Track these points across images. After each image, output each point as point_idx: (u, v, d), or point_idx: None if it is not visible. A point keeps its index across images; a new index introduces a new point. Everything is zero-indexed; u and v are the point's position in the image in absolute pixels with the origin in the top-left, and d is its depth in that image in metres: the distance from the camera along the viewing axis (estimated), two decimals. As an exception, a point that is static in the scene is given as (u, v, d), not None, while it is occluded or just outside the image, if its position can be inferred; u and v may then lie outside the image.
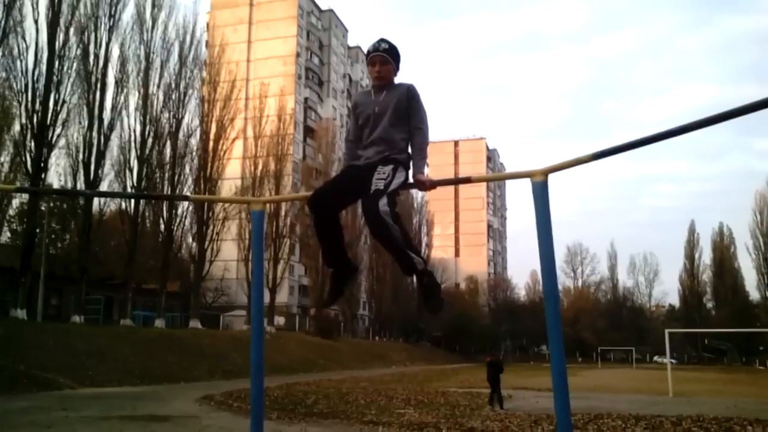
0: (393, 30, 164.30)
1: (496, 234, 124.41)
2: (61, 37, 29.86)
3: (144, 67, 35.56)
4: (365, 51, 3.78)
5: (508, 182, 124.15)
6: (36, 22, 29.34)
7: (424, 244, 79.09)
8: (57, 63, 29.50)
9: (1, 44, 27.80)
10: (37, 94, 28.76)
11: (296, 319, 56.82)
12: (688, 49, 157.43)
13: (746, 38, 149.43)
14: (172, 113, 36.90)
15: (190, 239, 40.87)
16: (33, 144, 28.67)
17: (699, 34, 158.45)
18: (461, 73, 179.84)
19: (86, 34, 31.64)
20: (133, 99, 35.36)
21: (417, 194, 75.04)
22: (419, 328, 76.21)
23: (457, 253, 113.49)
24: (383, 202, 3.25)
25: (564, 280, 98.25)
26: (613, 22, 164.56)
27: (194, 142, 39.72)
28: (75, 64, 30.80)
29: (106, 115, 32.74)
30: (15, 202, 38.49)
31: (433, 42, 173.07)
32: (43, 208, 35.16)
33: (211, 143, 39.42)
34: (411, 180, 3.56)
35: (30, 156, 28.74)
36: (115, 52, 34.13)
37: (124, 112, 34.16)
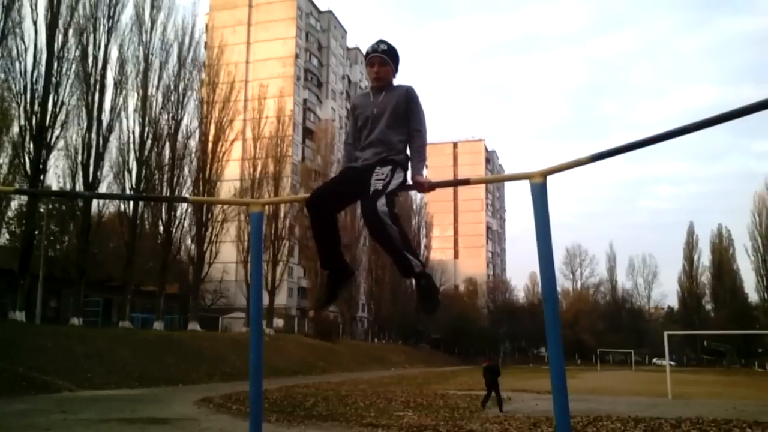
0: (392, 31, 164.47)
1: (495, 236, 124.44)
2: (60, 38, 29.89)
3: (143, 68, 35.58)
4: (364, 52, 3.78)
5: (507, 184, 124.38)
6: (35, 23, 29.40)
7: (423, 246, 79.06)
8: (56, 64, 29.52)
9: (0, 45, 27.81)
10: (36, 95, 28.77)
11: (295, 321, 56.81)
12: (687, 50, 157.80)
13: (745, 39, 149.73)
14: (171, 115, 36.92)
15: (189, 241, 40.90)
16: (32, 145, 28.66)
17: (697, 35, 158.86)
18: (460, 75, 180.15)
19: (85, 35, 31.66)
20: (132, 100, 35.41)
21: (416, 196, 75.09)
22: (418, 330, 76.20)
23: (456, 255, 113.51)
24: (381, 202, 3.24)
25: (563, 281, 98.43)
26: (612, 23, 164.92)
27: (193, 143, 39.77)
28: (74, 66, 30.85)
29: (105, 116, 32.80)
30: (14, 204, 38.45)
31: (432, 43, 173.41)
32: (41, 210, 35.14)
33: (210, 145, 39.42)
34: (410, 181, 3.55)
35: (29, 157, 28.73)
36: (114, 53, 34.27)
37: (123, 114, 34.21)
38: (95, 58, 32.08)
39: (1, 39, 27.76)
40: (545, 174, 3.09)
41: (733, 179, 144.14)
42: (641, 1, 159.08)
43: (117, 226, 36.68)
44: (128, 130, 34.76)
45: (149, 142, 35.55)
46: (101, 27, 32.55)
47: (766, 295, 74.03)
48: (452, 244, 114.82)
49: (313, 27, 77.81)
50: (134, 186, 34.59)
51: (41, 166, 28.97)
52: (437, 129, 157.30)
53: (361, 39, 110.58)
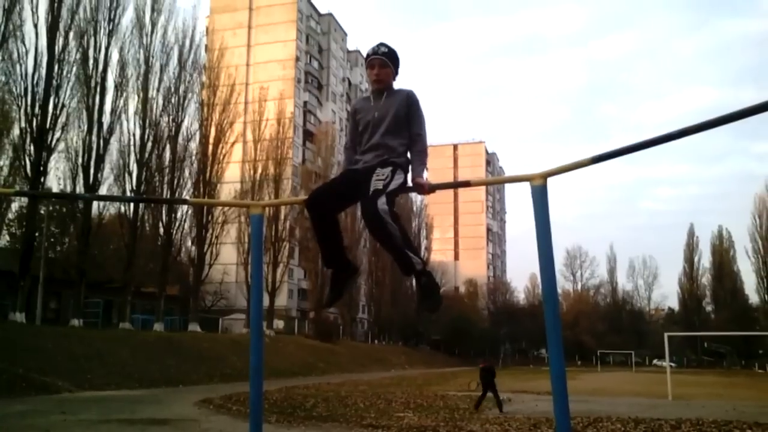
0: (392, 33, 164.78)
1: (496, 237, 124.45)
2: (60, 41, 29.94)
3: (143, 71, 35.63)
4: (364, 55, 3.79)
5: (507, 186, 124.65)
6: (35, 26, 29.46)
7: (423, 248, 79.00)
8: (56, 67, 29.55)
9: (0, 48, 27.85)
10: (37, 98, 28.82)
11: (295, 322, 56.79)
12: (687, 52, 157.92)
13: (744, 41, 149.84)
14: (171, 117, 36.97)
15: (189, 243, 40.93)
16: (32, 148, 28.70)
17: (697, 37, 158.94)
18: (460, 77, 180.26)
19: (86, 38, 31.72)
20: (133, 103, 35.46)
21: (416, 198, 75.15)
22: (418, 331, 76.18)
23: (456, 257, 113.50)
24: (382, 201, 3.25)
25: (563, 283, 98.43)
26: (612, 25, 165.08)
27: (194, 145, 39.81)
28: (74, 68, 30.91)
29: (106, 118, 32.84)
30: (14, 206, 38.45)
31: (432, 46, 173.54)
32: (42, 212, 35.15)
33: (210, 147, 39.45)
34: (410, 183, 3.57)
35: (29, 160, 28.77)
36: (114, 56, 34.23)
37: (123, 116, 34.27)
38: (96, 60, 32.14)
39: (1, 42, 27.81)
40: (545, 176, 3.10)
41: (734, 181, 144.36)
42: (641, 3, 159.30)
43: (117, 228, 36.69)
44: (129, 133, 34.89)
45: (150, 144, 35.61)
46: (102, 30, 32.64)
47: (766, 296, 74.01)
48: (452, 245, 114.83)
49: (313, 30, 77.88)
50: (135, 188, 34.63)
51: (42, 168, 29.01)
52: (437, 131, 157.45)
53: (362, 41, 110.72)
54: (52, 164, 30.71)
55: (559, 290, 70.18)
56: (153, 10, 36.33)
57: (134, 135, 35.02)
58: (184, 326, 40.95)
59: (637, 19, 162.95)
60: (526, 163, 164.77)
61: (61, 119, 29.77)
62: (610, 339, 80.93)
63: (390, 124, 3.57)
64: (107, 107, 33.00)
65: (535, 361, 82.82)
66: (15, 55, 28.52)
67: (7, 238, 42.64)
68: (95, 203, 33.86)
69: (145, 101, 35.46)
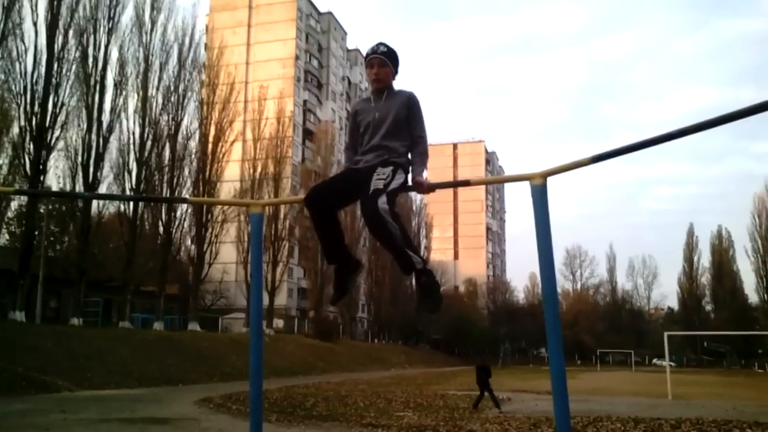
0: (391, 32, 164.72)
1: (495, 237, 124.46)
2: (60, 39, 29.92)
3: (143, 69, 35.61)
4: (364, 54, 3.79)
5: (507, 185, 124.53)
6: (35, 24, 29.42)
7: (423, 247, 79.02)
8: (56, 65, 29.54)
9: (0, 46, 27.82)
10: (36, 96, 28.80)
11: (295, 321, 56.82)
12: (687, 52, 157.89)
13: (744, 41, 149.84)
14: (171, 116, 36.95)
15: (189, 242, 40.91)
16: (32, 146, 28.69)
17: (697, 37, 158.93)
18: (460, 76, 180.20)
19: (85, 36, 31.70)
20: (132, 101, 35.44)
21: (416, 197, 75.19)
22: (418, 330, 76.20)
23: (456, 256, 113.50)
24: (382, 200, 3.25)
25: (563, 282, 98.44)
26: (612, 24, 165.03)
27: (193, 144, 39.79)
28: (74, 67, 30.89)
29: (105, 117, 32.83)
30: (14, 205, 38.41)
31: (432, 45, 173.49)
32: (41, 211, 35.17)
33: (210, 146, 39.43)
34: (410, 182, 3.57)
35: (29, 158, 28.75)
36: (114, 54, 34.21)
37: (123, 115, 34.26)
38: (95, 59, 32.12)
39: (1, 40, 27.79)
40: (545, 175, 3.09)
41: (733, 180, 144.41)
42: (641, 2, 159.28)
43: (117, 227, 36.69)
44: (128, 131, 34.86)
45: (149, 143, 35.59)
46: (101, 28, 32.61)
47: (766, 296, 73.97)
48: (452, 245, 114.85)
49: (313, 28, 77.83)
50: (134, 187, 34.60)
51: (41, 167, 28.99)
52: (437, 130, 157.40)
53: (362, 40, 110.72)
54: (51, 163, 30.73)
55: (559, 289, 70.19)
56: (152, 8, 36.33)
57: (134, 133, 35.06)
58: (184, 325, 40.95)
59: (637, 19, 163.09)
60: (525, 162, 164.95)
61: (61, 118, 29.79)
62: (610, 338, 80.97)
63: (390, 125, 3.57)
64: (107, 106, 33.04)
65: (534, 361, 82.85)
66: (14, 53, 28.53)
67: (7, 236, 42.66)
68: (95, 202, 33.85)
69: (144, 100, 35.45)
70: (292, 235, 52.61)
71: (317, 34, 79.00)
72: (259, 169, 45.92)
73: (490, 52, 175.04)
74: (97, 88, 32.22)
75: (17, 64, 28.51)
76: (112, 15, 33.13)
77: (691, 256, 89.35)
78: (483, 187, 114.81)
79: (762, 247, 74.64)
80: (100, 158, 32.30)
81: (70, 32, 30.63)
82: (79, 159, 31.66)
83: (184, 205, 38.65)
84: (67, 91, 30.21)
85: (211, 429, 10.89)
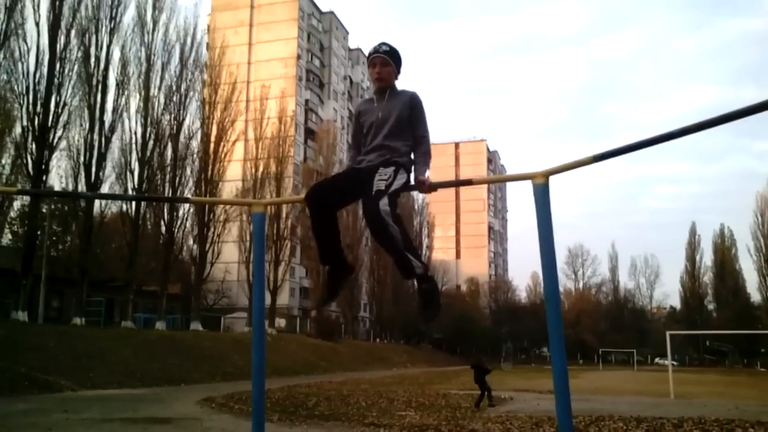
0: (393, 32, 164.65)
1: (497, 236, 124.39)
2: (62, 39, 29.99)
3: (145, 69, 35.64)
4: (366, 53, 3.79)
5: (509, 184, 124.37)
6: (37, 24, 29.46)
7: (425, 246, 79.05)
8: (58, 65, 29.58)
9: (2, 47, 27.90)
10: (39, 96, 28.86)
11: (297, 321, 56.82)
12: (688, 51, 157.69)
13: (745, 40, 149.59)
14: (173, 115, 36.98)
15: (191, 241, 40.92)
16: (34, 146, 28.74)
17: (698, 36, 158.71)
18: (462, 75, 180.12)
19: (87, 36, 31.76)
20: (134, 101, 35.50)
21: (418, 196, 75.16)
22: (420, 330, 76.15)
23: (458, 255, 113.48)
24: (384, 203, 3.24)
25: (565, 281, 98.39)
26: (613, 24, 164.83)
27: (195, 144, 39.82)
28: (76, 67, 30.94)
29: (107, 117, 32.89)
30: (16, 204, 38.51)
31: (434, 44, 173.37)
32: (44, 210, 35.23)
33: (212, 145, 39.44)
34: (412, 182, 3.57)
35: (31, 158, 28.80)
36: (116, 54, 34.26)
37: (125, 115, 34.35)
38: (97, 58, 32.19)
39: (3, 40, 27.84)
40: (547, 174, 3.09)
41: (735, 179, 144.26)
42: (642, 2, 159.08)
43: (119, 227, 36.72)
44: (130, 131, 34.92)
45: (151, 142, 35.64)
46: (103, 28, 32.68)
47: (768, 294, 73.91)
48: (454, 244, 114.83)
49: (314, 28, 77.83)
50: (136, 186, 34.64)
51: (43, 167, 29.04)
52: (439, 130, 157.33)
53: (363, 40, 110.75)
54: (53, 163, 30.76)
55: (561, 289, 70.12)
56: (154, 8, 36.37)
57: (136, 133, 35.11)
58: (186, 325, 40.99)
59: (638, 18, 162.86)
60: (527, 161, 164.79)
61: (63, 117, 29.86)
62: (612, 337, 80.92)
63: (393, 125, 3.57)
64: (109, 105, 33.09)
65: (536, 360, 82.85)
66: (17, 54, 28.61)
67: (9, 236, 42.73)
68: (97, 202, 33.87)
69: (146, 99, 35.49)
70: (294, 235, 52.62)
71: (319, 34, 79.00)
72: (261, 169, 45.92)
73: (492, 52, 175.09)
74: (99, 87, 32.29)
75: (20, 64, 28.61)
76: (114, 15, 33.22)
77: (693, 255, 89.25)
78: (485, 186, 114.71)
79: (764, 246, 74.48)
80: (102, 158, 32.36)
81: (72, 32, 30.72)
82: (82, 159, 31.74)
83: (186, 205, 38.71)
84: (70, 90, 30.33)
85: (213, 429, 10.90)
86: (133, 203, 35.60)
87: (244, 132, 47.26)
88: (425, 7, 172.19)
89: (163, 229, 37.36)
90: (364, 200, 3.34)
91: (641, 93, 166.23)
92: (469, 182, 3.73)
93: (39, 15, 29.46)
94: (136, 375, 22.43)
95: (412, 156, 3.62)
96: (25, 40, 28.84)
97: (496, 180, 4.05)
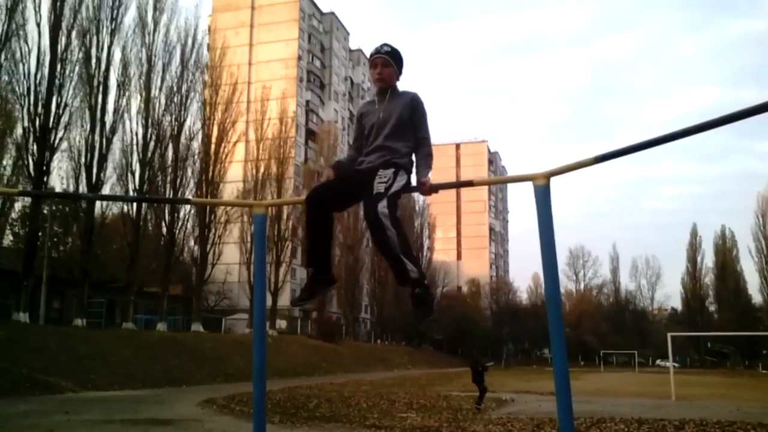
0: (394, 33, 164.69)
1: (498, 237, 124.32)
2: (63, 40, 30.03)
3: (146, 70, 35.68)
4: (367, 54, 3.79)
5: (510, 185, 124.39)
6: (38, 25, 29.51)
7: (425, 248, 79.04)
8: (59, 66, 29.61)
9: (3, 48, 27.94)
10: (40, 97, 28.88)
11: (298, 322, 56.80)
12: (689, 52, 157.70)
13: (746, 40, 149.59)
14: (174, 116, 37.02)
15: (192, 242, 40.95)
16: (35, 147, 28.76)
17: (699, 37, 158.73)
18: (462, 76, 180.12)
19: (88, 37, 31.80)
20: (135, 102, 35.54)
21: (419, 198, 75.17)
22: (421, 331, 76.14)
23: (458, 256, 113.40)
24: (383, 205, 3.23)
25: (566, 283, 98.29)
26: (614, 24, 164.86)
27: (196, 145, 39.85)
28: (77, 68, 30.98)
29: (108, 118, 32.93)
30: (17, 206, 38.59)
31: (435, 45, 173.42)
32: (45, 212, 35.23)
33: (212, 146, 39.47)
34: (413, 183, 3.56)
35: (32, 159, 28.83)
36: (117, 55, 34.30)
37: (126, 115, 34.39)
38: (98, 60, 32.24)
39: (4, 41, 27.87)
40: (548, 176, 3.08)
41: (736, 180, 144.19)
42: (643, 3, 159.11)
43: (120, 228, 36.74)
44: (131, 132, 34.98)
45: (152, 143, 35.67)
46: (104, 29, 32.72)
47: (770, 296, 73.81)
48: (455, 245, 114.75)
49: (315, 29, 77.86)
50: (137, 187, 34.68)
51: (44, 168, 29.05)
52: (440, 130, 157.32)
53: (364, 41, 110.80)
54: (54, 164, 30.84)
55: (562, 290, 69.82)
56: (155, 9, 36.43)
57: (137, 134, 35.16)
58: (187, 326, 40.99)
59: (639, 19, 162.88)
60: (528, 162, 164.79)
61: (64, 118, 29.87)
62: (613, 339, 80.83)
63: (393, 126, 3.56)
64: (110, 106, 33.15)
65: (537, 361, 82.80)
66: (18, 55, 28.65)
67: (11, 237, 42.77)
68: (98, 203, 33.91)
69: (147, 100, 35.51)
70: (295, 236, 52.55)
71: (320, 35, 79.03)
72: (261, 170, 45.96)
73: (493, 53, 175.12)
74: (100, 89, 32.32)
75: (21, 66, 28.64)
76: (114, 16, 33.27)
77: (694, 256, 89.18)
78: (486, 187, 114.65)
79: (766, 247, 74.44)
80: (103, 159, 32.38)
81: (73, 33, 30.77)
82: (83, 160, 31.77)
83: (187, 206, 38.74)
84: (71, 92, 30.35)
85: (214, 430, 10.90)
86: (134, 204, 35.62)
87: (245, 133, 47.29)
88: (426, 7, 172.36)
89: (164, 230, 37.38)
90: (365, 203, 3.33)
91: (642, 94, 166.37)
92: (470, 183, 3.73)
93: (40, 16, 29.54)
94: (137, 376, 22.43)
95: (413, 157, 3.61)
96: (26, 42, 28.91)
97: (497, 181, 4.04)
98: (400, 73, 3.68)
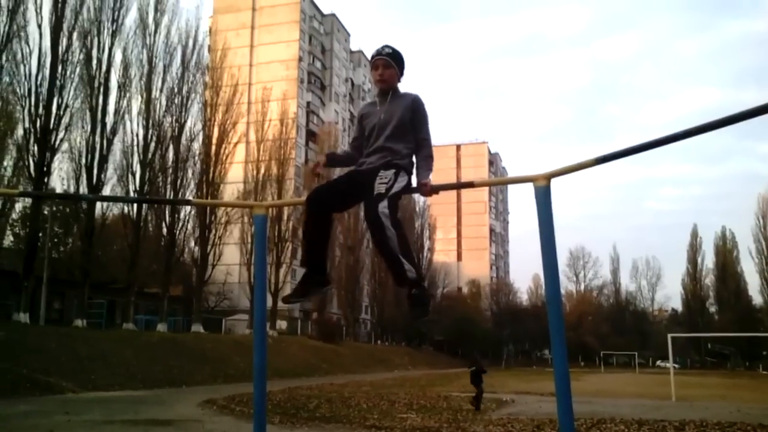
0: (394, 34, 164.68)
1: (499, 238, 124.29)
2: (64, 41, 30.06)
3: (147, 71, 35.71)
4: (368, 55, 3.81)
5: (510, 186, 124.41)
6: (39, 26, 29.52)
7: (426, 248, 79.02)
8: (60, 67, 29.65)
9: (4, 49, 27.97)
10: (41, 98, 28.92)
11: (298, 323, 56.81)
12: (689, 53, 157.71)
13: (746, 42, 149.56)
14: (174, 117, 37.05)
15: (192, 243, 40.96)
16: (36, 148, 28.79)
17: (699, 38, 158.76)
18: (463, 77, 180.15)
19: (89, 38, 31.85)
20: (136, 103, 35.57)
21: (419, 198, 75.13)
22: (421, 332, 76.12)
23: (459, 257, 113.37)
24: (383, 205, 3.24)
25: (566, 284, 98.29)
26: (614, 25, 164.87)
27: (197, 146, 39.86)
28: (78, 69, 31.02)
29: (109, 119, 32.98)
30: (18, 206, 38.63)
31: (435, 46, 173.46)
32: (45, 212, 35.25)
33: (213, 147, 39.50)
34: (413, 185, 3.57)
35: (33, 160, 28.86)
36: (117, 56, 34.35)
37: (126, 117, 34.42)
38: (99, 61, 32.26)
39: (6, 42, 27.91)
40: (549, 177, 3.09)
41: (737, 181, 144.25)
42: (644, 3, 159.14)
43: (121, 229, 36.77)
44: (132, 133, 35.00)
45: (153, 144, 35.69)
46: (105, 30, 32.77)
47: (770, 297, 73.78)
48: (455, 246, 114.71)
49: (316, 30, 77.90)
50: (138, 188, 34.70)
51: (45, 169, 29.08)
52: (440, 131, 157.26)
53: (365, 42, 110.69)
54: (55, 165, 30.94)
55: (563, 291, 70.08)
56: (156, 10, 36.49)
57: (137, 135, 35.18)
58: (188, 327, 41.00)
59: (639, 20, 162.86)
60: (529, 163, 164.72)
61: (65, 120, 29.92)
62: (614, 340, 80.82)
63: (394, 127, 3.58)
64: (110, 108, 33.21)
65: (538, 362, 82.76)
66: (19, 56, 28.67)
67: (11, 238, 42.78)
68: (99, 204, 33.94)
69: (148, 102, 35.54)
70: (296, 237, 52.52)
71: (320, 36, 79.07)
72: (262, 171, 45.98)
73: (493, 53, 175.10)
74: (101, 90, 32.36)
75: (22, 67, 28.68)
76: (115, 17, 33.31)
77: (694, 257, 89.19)
78: (486, 188, 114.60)
79: (766, 248, 74.45)
80: (103, 160, 32.40)
81: (74, 34, 30.80)
82: (83, 161, 31.80)
83: (188, 207, 38.74)
84: (71, 93, 30.38)
85: (214, 431, 10.90)
86: (135, 205, 35.63)
87: (246, 134, 47.31)
88: (426, 8, 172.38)
89: (165, 231, 37.41)
90: (366, 204, 3.34)
91: (643, 95, 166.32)
92: (470, 185, 3.73)
93: (41, 17, 29.56)
94: (138, 377, 22.42)
95: (414, 159, 3.62)
96: (27, 43, 28.95)
97: (498, 182, 4.04)
98: (401, 74, 3.69)
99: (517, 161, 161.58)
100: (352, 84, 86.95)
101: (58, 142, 29.58)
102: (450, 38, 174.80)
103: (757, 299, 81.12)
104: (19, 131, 29.94)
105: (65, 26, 30.15)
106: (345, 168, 3.89)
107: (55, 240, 41.58)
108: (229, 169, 41.11)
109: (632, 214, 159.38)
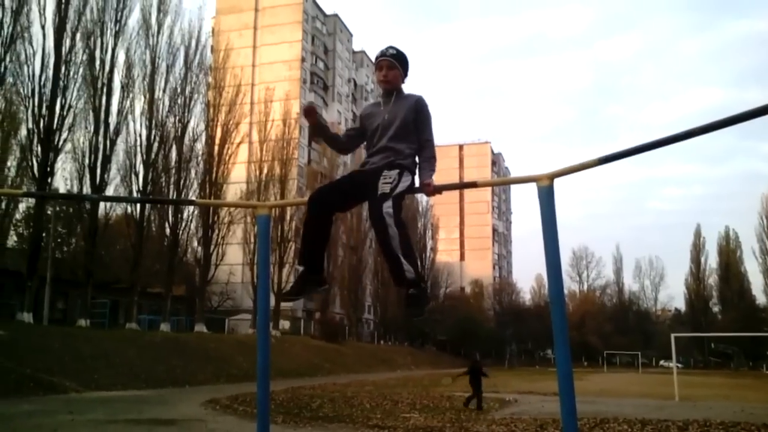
0: (397, 34, 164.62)
1: (501, 238, 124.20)
2: (67, 42, 30.12)
3: (150, 71, 35.76)
4: (371, 56, 3.82)
5: (513, 186, 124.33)
6: (43, 27, 29.59)
7: (429, 248, 78.95)
8: (63, 68, 29.73)
9: (8, 50, 28.03)
10: (44, 98, 28.99)
11: (301, 323, 56.81)
12: (692, 53, 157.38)
13: (749, 41, 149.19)
14: (177, 118, 37.12)
15: (195, 243, 41.07)
16: (39, 148, 28.85)
17: (702, 38, 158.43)
18: (466, 77, 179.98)
19: (92, 39, 31.90)
20: (139, 104, 35.64)
21: (422, 198, 75.09)
22: (424, 332, 76.07)
23: (462, 257, 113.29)
24: (387, 205, 3.26)
25: (569, 284, 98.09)
26: (617, 26, 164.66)
27: (200, 146, 39.95)
28: (81, 69, 31.10)
29: (112, 119, 33.06)
30: (21, 206, 38.63)
31: (438, 46, 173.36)
32: (49, 212, 35.30)
33: (216, 147, 39.56)
34: (417, 184, 3.58)
35: (36, 160, 28.92)
36: (121, 57, 34.44)
37: (130, 117, 34.48)
38: (102, 61, 32.32)
39: (9, 43, 27.96)
40: (552, 177, 3.09)
41: (740, 181, 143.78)
42: (645, 4, 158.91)
43: (124, 229, 36.86)
44: (135, 133, 35.07)
45: (156, 145, 35.74)
46: (108, 31, 32.81)
47: (773, 297, 73.61)
48: (458, 246, 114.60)
49: (319, 30, 77.91)
50: (141, 189, 34.76)
51: (49, 169, 29.14)
52: (443, 131, 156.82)
53: (367, 42, 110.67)
54: (59, 165, 30.87)
55: (566, 291, 69.54)
56: (159, 11, 36.54)
57: (141, 136, 35.24)
58: (191, 327, 41.06)
59: (641, 20, 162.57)
60: (532, 163, 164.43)
61: (68, 120, 29.97)
62: (617, 340, 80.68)
63: (398, 128, 3.59)
64: (114, 108, 33.25)
65: (541, 362, 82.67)
66: (23, 57, 28.76)
67: (15, 238, 42.85)
68: (102, 204, 34.01)
69: (151, 102, 35.60)
70: (299, 237, 52.59)
71: (323, 36, 79.08)
72: (265, 171, 46.01)
73: (496, 54, 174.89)
74: (104, 90, 32.45)
75: (25, 67, 28.77)
76: (118, 18, 33.36)
77: (698, 257, 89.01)
78: (489, 188, 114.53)
79: (770, 248, 74.21)
80: (107, 160, 32.47)
81: (78, 35, 30.88)
82: (87, 161, 31.85)
83: (191, 207, 38.77)
84: (75, 93, 30.47)
85: (217, 430, 10.92)
86: (138, 205, 35.69)
87: (249, 134, 47.42)
88: (429, 9, 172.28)
89: (168, 231, 37.45)
90: (370, 204, 3.35)
91: (646, 95, 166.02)
92: (473, 185, 3.74)
93: (45, 18, 29.62)
94: (141, 376, 22.46)
95: (417, 159, 3.63)
96: (30, 44, 29.02)
97: (501, 182, 4.05)
98: (405, 75, 3.70)
99: (520, 161, 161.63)
100: (355, 84, 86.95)
101: (61, 142, 29.69)
102: (453, 38, 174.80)
103: (760, 299, 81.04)
104: (23, 132, 30.05)
105: (68, 27, 30.23)
106: (335, 152, 3.82)
107: (59, 240, 41.64)
108: (232, 170, 41.18)
109: (635, 214, 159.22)
